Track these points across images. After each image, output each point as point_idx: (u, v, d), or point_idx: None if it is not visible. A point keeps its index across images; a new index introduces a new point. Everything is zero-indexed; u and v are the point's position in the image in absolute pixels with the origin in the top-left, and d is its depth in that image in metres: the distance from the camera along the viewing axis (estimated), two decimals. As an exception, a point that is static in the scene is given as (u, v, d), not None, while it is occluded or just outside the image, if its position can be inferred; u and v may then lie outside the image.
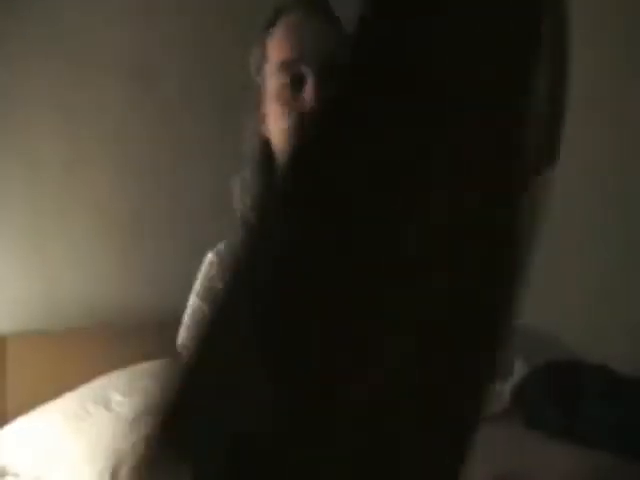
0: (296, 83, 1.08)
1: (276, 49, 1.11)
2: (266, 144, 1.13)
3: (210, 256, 1.24)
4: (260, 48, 1.14)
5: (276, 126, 1.10)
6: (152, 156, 2.37)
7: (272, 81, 1.11)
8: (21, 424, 1.93)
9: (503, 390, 2.40)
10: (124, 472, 1.75)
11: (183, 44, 2.44)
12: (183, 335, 1.21)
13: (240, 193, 1.15)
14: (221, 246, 1.25)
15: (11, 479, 1.84)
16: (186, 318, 1.22)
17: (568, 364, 2.41)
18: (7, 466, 1.86)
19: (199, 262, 1.29)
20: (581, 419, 2.18)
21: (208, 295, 1.20)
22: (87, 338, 2.17)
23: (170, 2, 2.43)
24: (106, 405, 1.92)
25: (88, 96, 2.25)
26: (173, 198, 2.42)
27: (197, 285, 1.22)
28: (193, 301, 1.22)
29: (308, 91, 1.06)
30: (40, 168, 2.16)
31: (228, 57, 2.53)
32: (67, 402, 1.96)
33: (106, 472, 1.74)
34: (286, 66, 1.08)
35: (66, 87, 2.21)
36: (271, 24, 1.13)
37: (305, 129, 0.98)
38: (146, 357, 2.13)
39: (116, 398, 1.94)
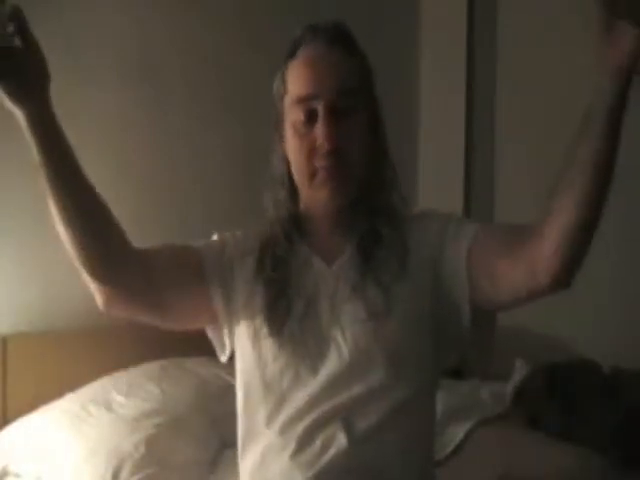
0: (310, 118, 1.16)
1: (294, 83, 1.18)
2: (288, 163, 1.22)
3: (240, 232, 1.33)
4: (281, 78, 1.20)
5: (292, 154, 1.20)
6: (153, 156, 2.37)
7: (289, 113, 1.19)
8: (22, 424, 1.93)
9: (504, 390, 2.41)
10: (125, 473, 1.75)
11: (186, 42, 2.43)
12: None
13: (273, 208, 1.25)
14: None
15: (12, 479, 1.85)
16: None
17: (568, 364, 2.41)
18: (8, 466, 1.86)
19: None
20: (581, 419, 2.18)
21: (220, 239, 1.31)
22: (88, 338, 2.17)
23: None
24: (107, 406, 1.92)
25: (89, 95, 2.24)
26: (174, 199, 2.42)
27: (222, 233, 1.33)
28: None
29: (318, 128, 1.15)
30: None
31: (232, 55, 2.53)
32: (68, 403, 1.96)
33: (107, 473, 1.74)
34: (301, 102, 1.16)
35: (67, 85, 2.20)
36: (291, 55, 1.19)
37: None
38: (147, 358, 2.13)
39: (117, 399, 1.94)
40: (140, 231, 2.33)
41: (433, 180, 3.03)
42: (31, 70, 1.07)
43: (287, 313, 1.19)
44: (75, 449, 1.80)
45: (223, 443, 1.95)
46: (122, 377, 2.05)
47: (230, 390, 2.09)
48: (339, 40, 1.19)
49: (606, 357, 2.38)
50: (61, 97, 2.18)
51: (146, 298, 1.24)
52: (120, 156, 2.31)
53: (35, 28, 2.09)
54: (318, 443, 1.15)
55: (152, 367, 2.10)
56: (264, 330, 1.20)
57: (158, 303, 1.24)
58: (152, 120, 2.37)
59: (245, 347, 1.24)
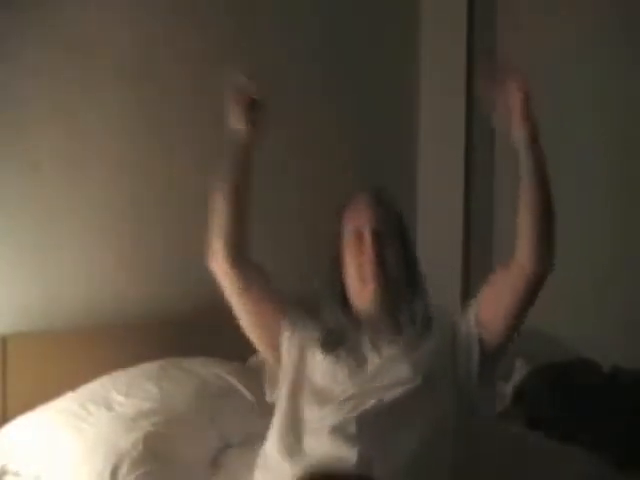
0: (359, 241, 1.68)
1: (349, 219, 1.72)
2: (342, 281, 1.70)
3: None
4: (339, 221, 1.73)
5: (348, 268, 1.69)
6: (152, 157, 2.37)
7: (346, 243, 1.70)
8: (21, 423, 1.93)
9: (504, 390, 2.41)
10: (124, 471, 1.75)
11: (186, 42, 2.43)
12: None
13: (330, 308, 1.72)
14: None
15: (11, 478, 1.85)
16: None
17: (567, 364, 2.41)
18: (7, 465, 1.86)
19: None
20: (581, 419, 2.18)
21: (302, 311, 1.77)
22: (87, 338, 2.17)
23: None
24: (107, 405, 1.92)
25: (89, 94, 2.24)
26: (173, 199, 2.41)
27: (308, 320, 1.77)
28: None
29: (365, 245, 1.67)
30: (40, 168, 2.16)
31: (232, 55, 2.53)
32: (68, 402, 1.96)
33: (106, 472, 1.74)
34: (353, 230, 1.69)
35: (67, 85, 2.20)
36: (344, 207, 1.74)
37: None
38: (146, 357, 2.13)
39: (117, 398, 1.94)
40: (140, 231, 2.35)
41: (433, 180, 3.03)
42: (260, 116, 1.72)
43: (338, 345, 1.65)
44: (74, 448, 1.80)
45: (222, 442, 1.95)
46: (121, 377, 2.05)
47: (230, 390, 2.10)
48: (377, 200, 1.73)
49: (606, 357, 2.38)
50: (61, 97, 2.20)
51: (242, 274, 1.71)
52: (120, 156, 2.31)
53: (35, 28, 2.10)
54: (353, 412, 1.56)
55: (151, 367, 2.10)
56: (318, 349, 1.66)
57: (246, 287, 1.72)
58: (152, 120, 2.37)
59: (296, 356, 1.68)
